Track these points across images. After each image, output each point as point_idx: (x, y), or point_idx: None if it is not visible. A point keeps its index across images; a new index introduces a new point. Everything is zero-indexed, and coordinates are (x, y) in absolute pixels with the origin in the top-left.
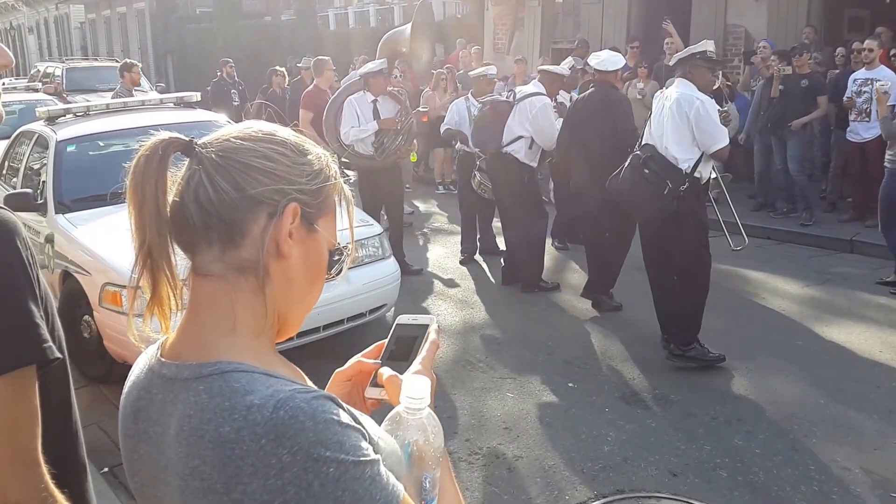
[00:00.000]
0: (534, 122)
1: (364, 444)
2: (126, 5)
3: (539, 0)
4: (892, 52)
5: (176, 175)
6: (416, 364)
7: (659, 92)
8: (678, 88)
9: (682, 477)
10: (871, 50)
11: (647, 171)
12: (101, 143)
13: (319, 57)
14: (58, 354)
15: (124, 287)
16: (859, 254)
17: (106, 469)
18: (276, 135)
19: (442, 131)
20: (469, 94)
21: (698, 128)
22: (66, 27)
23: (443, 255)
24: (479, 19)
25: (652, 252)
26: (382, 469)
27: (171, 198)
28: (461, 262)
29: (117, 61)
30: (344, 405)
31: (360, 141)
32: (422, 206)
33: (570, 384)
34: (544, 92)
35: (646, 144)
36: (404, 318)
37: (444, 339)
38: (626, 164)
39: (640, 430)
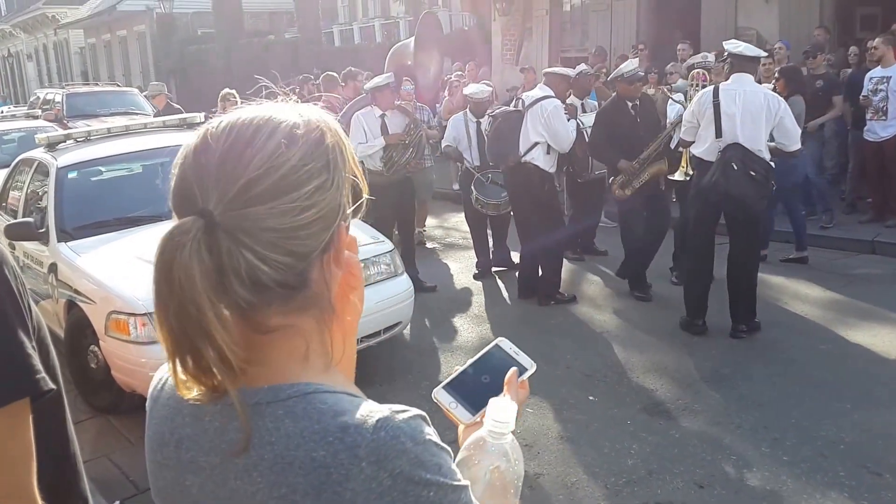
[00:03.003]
0: (547, 125)
1: (455, 468)
2: (126, 28)
3: (546, 9)
4: None
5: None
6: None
7: (723, 88)
8: (756, 87)
9: (709, 488)
10: (876, 48)
11: (752, 172)
12: (103, 169)
13: (328, 73)
14: (52, 386)
15: (131, 315)
16: (881, 254)
17: (118, 502)
18: (291, 161)
19: (441, 149)
20: (468, 110)
21: (783, 127)
22: (66, 53)
23: (457, 270)
24: (486, 31)
25: (736, 247)
26: (472, 496)
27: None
28: (475, 277)
29: (119, 85)
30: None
31: (369, 157)
32: (436, 221)
33: (591, 397)
34: (553, 94)
35: (735, 144)
36: (506, 344)
37: (459, 357)
38: (723, 165)
39: (664, 441)
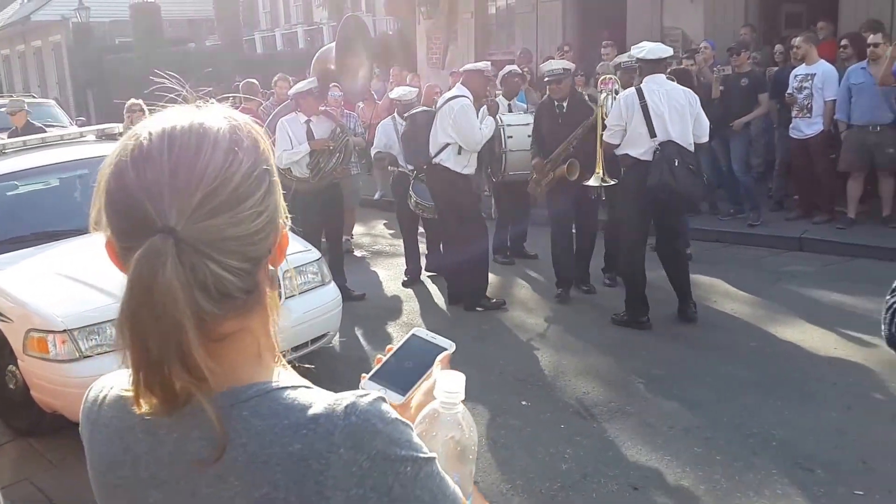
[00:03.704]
0: (455, 125)
1: (421, 441)
2: (41, 39)
3: (472, 12)
4: (842, 42)
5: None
6: (420, 394)
7: (646, 89)
8: (673, 85)
9: (644, 490)
10: (798, 47)
11: (690, 166)
12: (19, 183)
13: (248, 80)
14: None
15: (50, 332)
16: (808, 251)
17: None
18: (242, 169)
19: (372, 155)
20: (396, 114)
21: (700, 121)
22: None
23: (386, 277)
24: (411, 35)
25: (672, 236)
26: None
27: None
28: (405, 285)
29: (34, 97)
30: None
31: (295, 164)
32: (363, 229)
33: (524, 402)
34: (466, 94)
35: (669, 142)
36: (422, 332)
37: None
38: (666, 163)
39: (599, 444)
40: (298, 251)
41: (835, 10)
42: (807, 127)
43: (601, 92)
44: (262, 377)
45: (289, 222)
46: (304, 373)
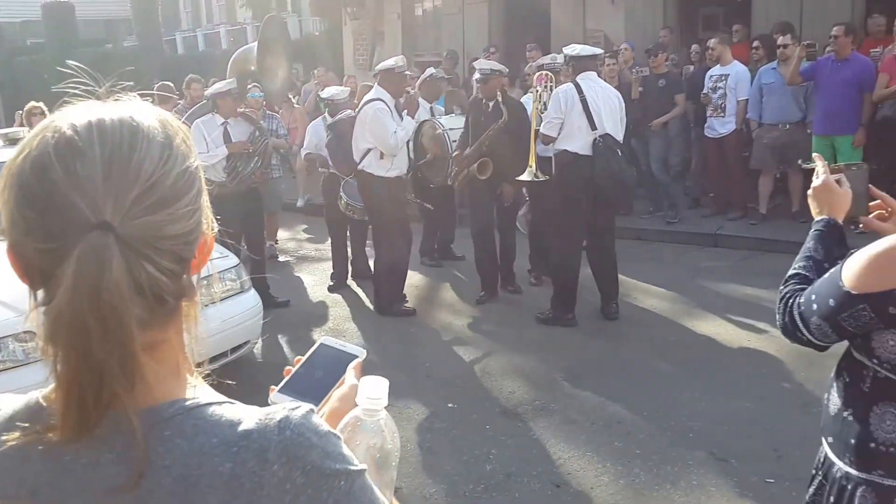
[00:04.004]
0: (371, 130)
1: (351, 453)
2: None
3: (398, 13)
4: (754, 45)
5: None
6: (334, 401)
7: (583, 85)
8: (605, 83)
9: (566, 487)
10: (713, 48)
11: (622, 156)
12: None
13: (162, 82)
14: None
15: None
16: (724, 247)
17: None
18: (177, 165)
19: (302, 156)
20: (326, 115)
21: (623, 120)
22: None
23: (312, 283)
24: (338, 36)
25: (605, 234)
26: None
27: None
28: (330, 290)
29: None
30: None
31: (211, 167)
32: (288, 234)
33: (450, 405)
34: (382, 96)
35: (606, 134)
36: (330, 341)
37: None
38: (610, 153)
39: (523, 443)
40: (216, 257)
41: (749, 12)
42: (721, 126)
43: (536, 87)
44: (182, 393)
45: (215, 226)
46: (220, 387)
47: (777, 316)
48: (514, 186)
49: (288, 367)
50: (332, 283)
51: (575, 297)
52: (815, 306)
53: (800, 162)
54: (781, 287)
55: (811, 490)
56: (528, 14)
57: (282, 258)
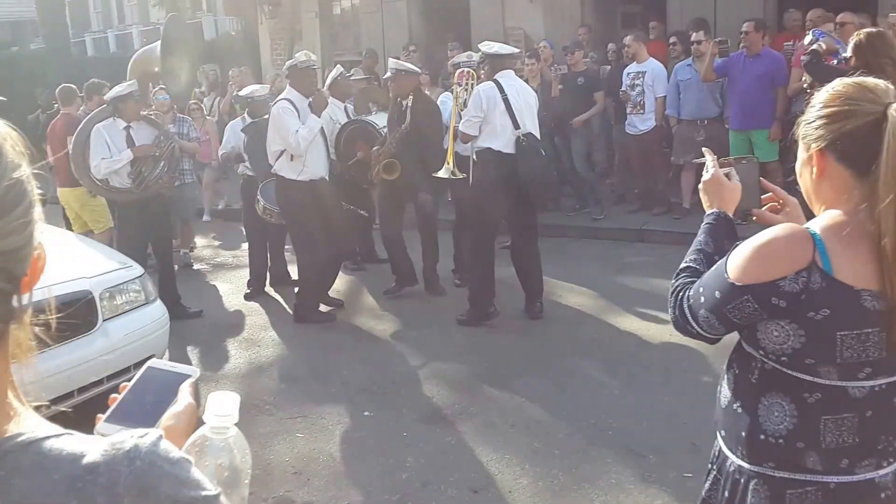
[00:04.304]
0: (276, 129)
1: (203, 477)
2: None
3: (316, 12)
4: (671, 41)
5: None
6: (168, 419)
7: (504, 83)
8: (518, 80)
9: (483, 492)
10: (628, 46)
11: (545, 154)
12: None
13: (64, 85)
14: None
15: None
16: (649, 242)
17: None
18: (5, 175)
19: (220, 157)
20: (245, 114)
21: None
22: None
23: (227, 291)
24: (255, 35)
25: (529, 232)
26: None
27: None
28: (247, 298)
29: None
30: None
31: (115, 173)
32: (205, 241)
33: (366, 413)
34: (289, 95)
35: (529, 133)
36: (158, 363)
37: (224, 387)
38: (534, 151)
39: (440, 449)
40: (117, 268)
41: (665, 9)
42: (641, 123)
43: (457, 85)
44: (15, 427)
45: (100, 246)
46: (57, 416)
47: (669, 310)
48: (429, 193)
49: (114, 396)
50: (248, 291)
51: (493, 291)
52: (702, 299)
53: (692, 158)
54: (673, 281)
55: (707, 485)
56: (447, 12)
57: (197, 266)
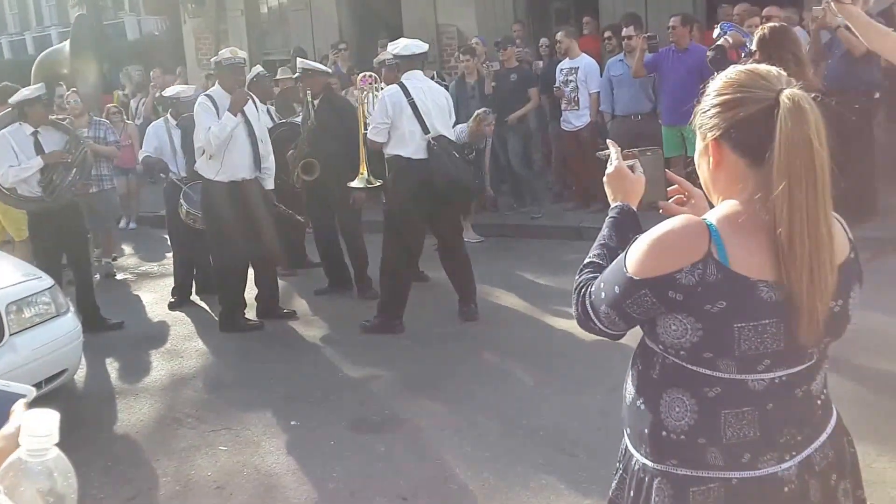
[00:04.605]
0: (197, 127)
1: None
2: None
3: (241, 10)
4: (605, 35)
5: None
6: None
7: (410, 86)
8: (430, 81)
9: (413, 500)
10: (560, 42)
11: (458, 156)
12: None
13: None
14: None
15: None
16: (587, 239)
17: None
18: None
19: (140, 159)
20: (169, 115)
21: (452, 116)
22: None
23: (151, 301)
24: (179, 35)
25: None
26: None
27: None
28: (171, 307)
29: None
30: None
31: (24, 182)
32: (130, 249)
33: (293, 422)
34: (211, 92)
35: (440, 136)
36: None
37: (144, 401)
38: (446, 156)
39: (369, 457)
40: (24, 280)
41: (597, 5)
42: (576, 119)
43: (361, 90)
44: None
45: (6, 256)
46: None
47: (572, 307)
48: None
49: None
50: (172, 300)
51: (404, 304)
52: (603, 294)
53: (597, 153)
54: (576, 276)
55: (613, 484)
56: (378, 9)
57: (120, 276)
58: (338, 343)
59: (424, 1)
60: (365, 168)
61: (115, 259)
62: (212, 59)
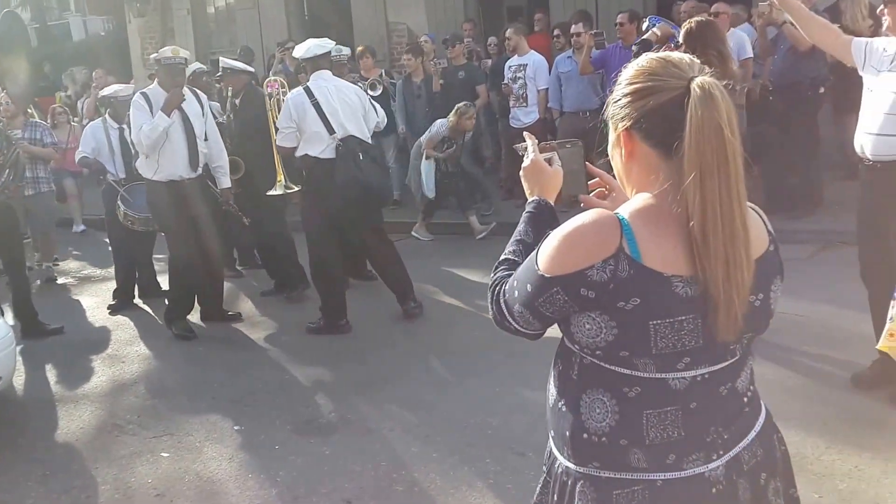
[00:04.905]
0: (132, 125)
1: None
2: None
3: (188, 9)
4: (555, 33)
5: None
6: None
7: (314, 87)
8: (340, 80)
9: (357, 502)
10: (509, 38)
11: (375, 158)
12: None
13: None
14: None
15: None
16: None
17: None
18: None
19: (77, 160)
20: (107, 115)
21: (369, 117)
22: None
23: (93, 305)
24: (125, 34)
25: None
26: None
27: None
28: (112, 311)
29: None
30: None
31: None
32: (73, 252)
33: (237, 427)
34: (147, 89)
35: (350, 136)
36: None
37: (85, 407)
38: (351, 157)
39: (314, 460)
40: None
41: (548, 2)
42: (524, 116)
43: (269, 96)
44: None
45: None
46: None
47: (488, 305)
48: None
49: None
50: (113, 304)
51: (344, 303)
52: (516, 293)
53: (514, 146)
54: (492, 274)
55: (538, 489)
56: (328, 7)
57: (62, 280)
58: (284, 345)
59: None
60: (282, 174)
61: (56, 263)
62: (151, 56)
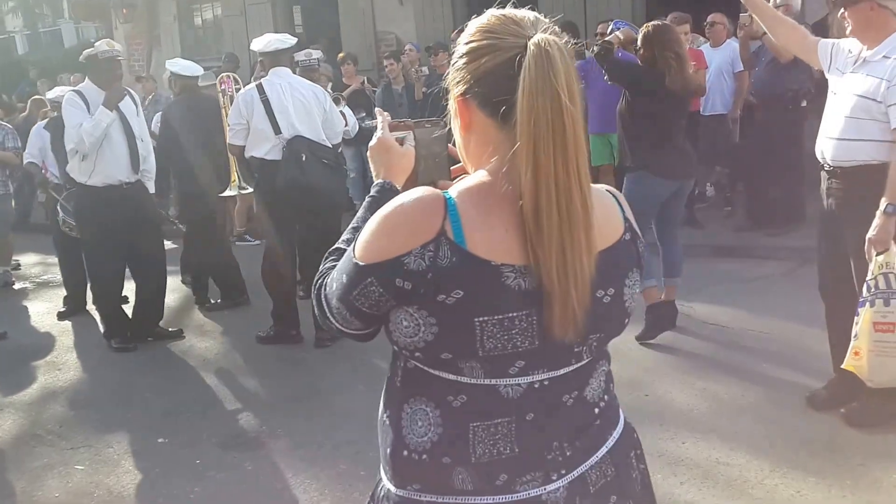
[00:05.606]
0: (66, 126)
1: None
2: None
3: (175, 15)
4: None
5: None
6: None
7: (267, 84)
8: (298, 79)
9: None
10: None
11: (325, 161)
12: None
13: None
14: None
15: None
16: None
17: None
18: None
19: (24, 163)
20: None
21: (332, 120)
22: None
23: (43, 311)
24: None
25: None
26: None
27: None
28: (61, 317)
29: None
30: None
31: None
32: (36, 257)
33: (161, 440)
34: (81, 87)
35: (297, 137)
36: None
37: (8, 415)
38: (294, 159)
39: (235, 477)
40: None
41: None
42: None
43: (222, 93)
44: None
45: None
46: None
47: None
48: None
49: None
50: (63, 310)
51: (296, 313)
52: (335, 286)
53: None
54: (321, 266)
55: None
56: (316, 15)
57: (19, 285)
58: (227, 356)
59: (363, 8)
60: (235, 175)
61: (17, 267)
62: (84, 52)
